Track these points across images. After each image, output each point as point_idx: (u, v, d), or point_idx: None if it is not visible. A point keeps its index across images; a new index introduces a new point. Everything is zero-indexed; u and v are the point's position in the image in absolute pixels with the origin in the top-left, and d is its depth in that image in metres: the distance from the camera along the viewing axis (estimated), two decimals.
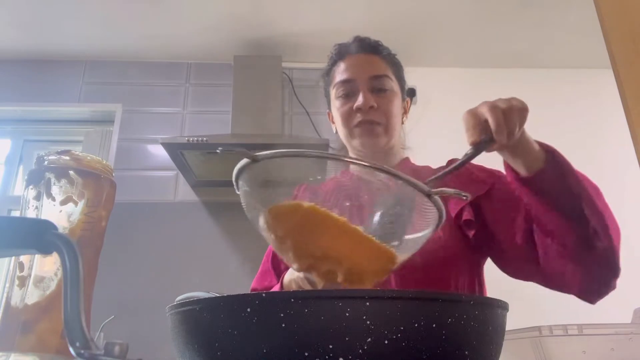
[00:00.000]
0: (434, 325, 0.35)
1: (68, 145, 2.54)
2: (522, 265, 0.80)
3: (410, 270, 0.80)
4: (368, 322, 0.33)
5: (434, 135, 2.46)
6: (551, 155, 0.73)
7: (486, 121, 0.66)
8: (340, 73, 0.97)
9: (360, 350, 0.33)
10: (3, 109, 2.44)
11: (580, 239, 0.71)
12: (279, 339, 0.34)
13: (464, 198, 0.46)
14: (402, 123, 1.03)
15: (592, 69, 2.45)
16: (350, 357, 0.33)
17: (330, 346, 0.33)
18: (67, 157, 0.53)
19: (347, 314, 0.33)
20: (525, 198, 0.76)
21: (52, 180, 0.51)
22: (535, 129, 2.57)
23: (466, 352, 0.36)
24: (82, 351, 0.28)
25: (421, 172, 0.99)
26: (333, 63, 1.01)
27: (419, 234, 0.54)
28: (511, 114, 0.67)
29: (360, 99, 0.91)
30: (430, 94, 2.50)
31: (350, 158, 0.57)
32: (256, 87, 2.26)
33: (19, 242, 0.35)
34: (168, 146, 1.94)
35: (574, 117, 2.48)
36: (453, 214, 0.86)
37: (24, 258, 0.49)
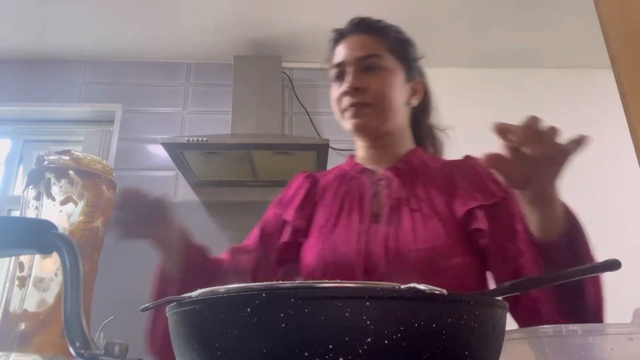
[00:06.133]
0: (434, 325, 0.35)
1: (68, 145, 2.54)
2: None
3: (403, 266, 0.79)
4: (368, 322, 0.33)
5: None
6: (570, 234, 0.66)
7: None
8: (335, 57, 0.95)
9: (360, 350, 0.33)
10: (3, 109, 2.44)
11: (562, 313, 0.68)
12: (279, 339, 0.34)
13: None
14: (409, 104, 0.95)
15: (592, 69, 2.45)
16: (350, 357, 0.33)
17: (330, 346, 0.33)
18: (67, 157, 0.53)
19: (347, 314, 0.33)
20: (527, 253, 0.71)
21: (52, 180, 0.51)
22: None
23: (466, 352, 0.36)
24: (82, 351, 0.28)
25: (430, 164, 0.93)
26: (331, 48, 0.99)
27: None
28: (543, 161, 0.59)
29: (346, 81, 0.89)
30: None
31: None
32: (256, 87, 2.26)
33: (19, 242, 0.35)
34: (168, 146, 1.94)
35: (574, 117, 2.47)
36: (460, 213, 0.82)
37: (24, 258, 0.49)
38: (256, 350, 0.34)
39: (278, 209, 0.95)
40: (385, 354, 0.33)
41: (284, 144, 1.96)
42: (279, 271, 0.90)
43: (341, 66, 0.92)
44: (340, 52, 0.93)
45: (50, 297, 0.48)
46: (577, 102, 2.50)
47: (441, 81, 2.53)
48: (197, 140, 1.87)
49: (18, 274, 0.49)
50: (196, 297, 0.39)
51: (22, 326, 0.47)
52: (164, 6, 2.14)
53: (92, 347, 0.28)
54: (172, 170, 2.24)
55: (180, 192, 2.28)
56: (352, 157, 1.01)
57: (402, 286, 0.35)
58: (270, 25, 2.26)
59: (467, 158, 0.93)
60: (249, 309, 0.34)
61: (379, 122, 0.90)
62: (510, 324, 0.47)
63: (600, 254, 0.62)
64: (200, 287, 0.35)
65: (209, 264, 0.85)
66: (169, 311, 0.43)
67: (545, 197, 0.64)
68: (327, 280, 0.36)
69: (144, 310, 0.45)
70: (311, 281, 0.36)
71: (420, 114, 1.02)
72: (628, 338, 0.60)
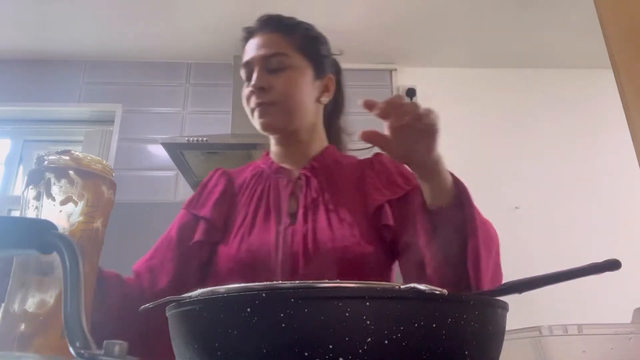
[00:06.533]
0: (434, 325, 0.35)
1: (68, 145, 2.54)
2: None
3: (322, 265, 0.78)
4: (368, 322, 0.33)
5: None
6: (459, 199, 0.70)
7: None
8: (244, 56, 0.95)
9: (360, 350, 0.33)
10: (3, 109, 2.44)
11: (453, 281, 0.71)
12: (279, 339, 0.34)
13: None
14: (319, 102, 0.95)
15: (592, 69, 2.45)
16: (350, 357, 0.33)
17: (330, 346, 0.33)
18: (67, 157, 0.53)
19: (347, 314, 0.33)
20: (420, 223, 0.75)
21: (52, 180, 0.51)
22: (536, 129, 2.57)
23: (466, 352, 0.36)
24: (82, 351, 0.28)
25: (343, 162, 0.94)
26: (242, 47, 0.98)
27: None
28: (415, 134, 0.63)
29: (251, 81, 0.90)
30: (430, 94, 2.50)
31: None
32: None
33: (19, 242, 0.35)
34: (168, 146, 1.94)
35: (574, 117, 2.48)
36: (371, 210, 0.84)
37: (24, 257, 0.49)
38: (256, 350, 0.34)
39: (192, 209, 0.91)
40: (385, 354, 0.33)
41: None
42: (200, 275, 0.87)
43: (248, 65, 0.92)
44: (247, 51, 0.94)
45: (50, 297, 0.48)
46: (577, 102, 2.50)
47: (441, 81, 2.55)
48: (197, 140, 1.87)
49: (18, 273, 0.49)
50: (196, 297, 0.39)
51: (22, 327, 0.47)
52: (164, 6, 2.14)
53: (92, 347, 0.28)
54: (172, 170, 2.24)
55: (180, 192, 2.28)
56: (267, 153, 1.00)
57: (402, 286, 0.35)
58: None
59: (377, 155, 0.94)
60: (249, 309, 0.34)
61: (286, 121, 0.89)
62: (510, 324, 0.47)
63: (600, 254, 0.62)
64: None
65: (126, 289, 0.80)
66: (169, 311, 0.43)
67: (429, 169, 0.68)
68: (327, 280, 0.36)
69: (143, 310, 0.45)
70: (311, 281, 0.36)
71: (332, 113, 1.02)
72: (627, 338, 0.60)
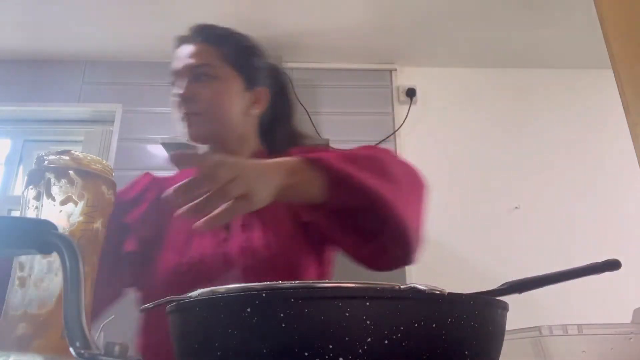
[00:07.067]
0: (434, 325, 0.35)
1: (68, 145, 2.54)
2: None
3: (260, 274, 0.78)
4: (368, 322, 0.33)
5: (433, 135, 2.47)
6: (334, 180, 0.64)
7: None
8: (173, 64, 0.95)
9: (360, 350, 0.33)
10: (3, 109, 2.44)
11: (374, 251, 0.70)
12: (279, 339, 0.34)
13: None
14: (249, 114, 0.94)
15: (592, 69, 2.45)
16: (350, 357, 0.33)
17: (330, 346, 0.33)
18: (67, 157, 0.53)
19: (347, 314, 0.33)
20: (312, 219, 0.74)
21: (52, 180, 0.51)
22: (536, 129, 2.58)
23: (466, 352, 0.36)
24: (82, 351, 0.28)
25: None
26: (173, 55, 0.98)
27: None
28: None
29: (178, 90, 0.90)
30: (430, 94, 2.50)
31: None
32: None
33: (19, 242, 0.35)
34: (168, 146, 1.94)
35: (574, 117, 2.48)
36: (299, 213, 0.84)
37: (24, 257, 0.49)
38: (256, 350, 0.34)
39: (120, 217, 0.87)
40: (385, 354, 0.33)
41: None
42: (116, 280, 0.85)
43: (176, 74, 0.93)
44: (177, 59, 0.94)
45: (50, 298, 0.48)
46: (577, 102, 2.50)
47: (441, 81, 2.55)
48: None
49: (18, 273, 0.49)
50: (196, 297, 0.39)
51: (22, 328, 0.47)
52: (164, 6, 2.14)
53: (92, 347, 0.28)
54: (172, 171, 2.24)
55: None
56: None
57: (402, 286, 0.35)
58: (270, 25, 2.26)
59: (291, 151, 0.92)
60: (249, 309, 0.34)
61: (211, 131, 0.90)
62: (510, 324, 0.47)
63: (600, 254, 0.62)
64: None
65: None
66: (169, 311, 0.43)
67: (281, 198, 0.62)
68: (327, 281, 0.36)
69: (143, 310, 0.45)
70: (311, 281, 0.36)
71: (275, 122, 1.01)
72: (627, 338, 0.60)
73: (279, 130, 1.01)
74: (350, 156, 0.69)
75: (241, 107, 0.93)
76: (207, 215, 0.54)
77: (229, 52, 0.93)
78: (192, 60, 0.90)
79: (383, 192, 0.64)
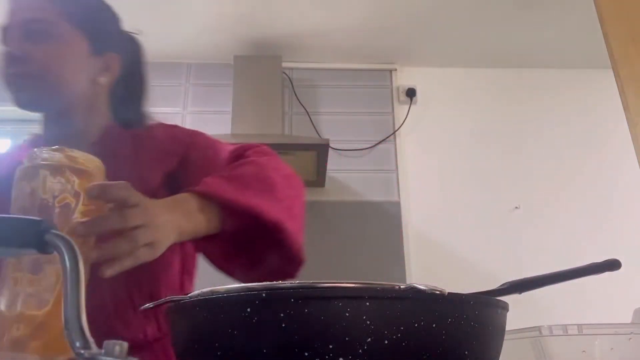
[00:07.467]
0: (434, 325, 0.35)
1: None
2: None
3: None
4: (368, 322, 0.33)
5: (433, 135, 2.47)
6: (227, 210, 0.65)
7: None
8: (3, 16, 0.80)
9: (360, 350, 0.33)
10: (3, 109, 2.44)
11: (261, 274, 0.70)
12: (279, 339, 0.34)
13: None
14: (97, 82, 0.83)
15: (592, 69, 2.45)
16: (350, 357, 0.33)
17: (330, 346, 0.33)
18: (61, 155, 0.52)
19: (347, 314, 0.33)
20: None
21: (48, 177, 0.51)
22: (535, 129, 2.57)
23: (466, 352, 0.36)
24: (82, 351, 0.28)
25: (128, 143, 0.84)
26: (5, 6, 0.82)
27: None
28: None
29: (6, 47, 0.76)
30: (430, 94, 2.50)
31: None
32: (256, 87, 2.27)
33: (18, 242, 0.35)
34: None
35: (574, 117, 2.48)
36: (153, 185, 0.77)
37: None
38: (256, 350, 0.34)
39: None
40: (385, 354, 0.33)
41: (284, 144, 1.96)
42: None
43: (5, 29, 0.78)
44: (7, 13, 0.78)
45: (48, 298, 0.48)
46: (577, 102, 2.50)
47: (441, 81, 2.55)
48: None
49: (11, 274, 0.49)
50: (196, 297, 0.39)
51: (17, 329, 0.46)
52: (164, 6, 2.14)
53: (92, 347, 0.28)
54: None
55: None
56: (35, 136, 0.88)
57: (402, 286, 0.35)
58: (270, 25, 2.26)
59: (152, 126, 0.87)
60: (249, 309, 0.34)
61: (45, 98, 0.77)
62: (510, 324, 0.47)
63: (600, 254, 0.62)
64: None
65: None
66: (169, 311, 0.43)
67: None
68: (327, 280, 0.36)
69: (143, 310, 0.45)
70: (311, 281, 0.36)
71: (127, 95, 0.90)
72: (627, 338, 0.60)
73: (132, 104, 0.90)
74: (238, 178, 0.68)
75: (86, 74, 0.81)
76: (110, 258, 0.53)
77: (74, 10, 0.80)
78: (26, 15, 0.77)
79: (275, 214, 0.65)
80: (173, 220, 0.59)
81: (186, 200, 0.63)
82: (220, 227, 0.65)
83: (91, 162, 0.55)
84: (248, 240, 0.69)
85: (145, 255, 0.55)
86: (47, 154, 0.52)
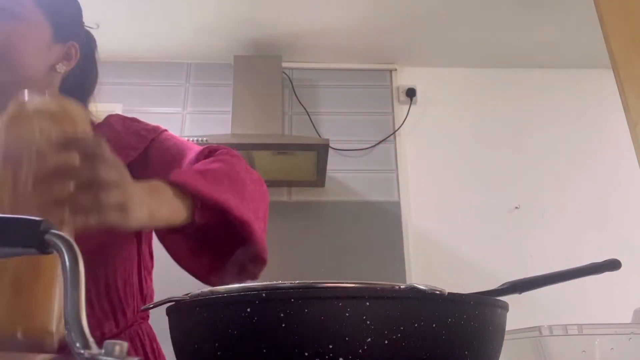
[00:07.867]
0: (434, 325, 0.35)
1: None
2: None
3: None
4: (368, 322, 0.33)
5: (433, 135, 2.47)
6: (199, 203, 0.64)
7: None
8: None
9: (360, 350, 0.33)
10: None
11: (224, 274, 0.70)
12: (279, 339, 0.34)
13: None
14: (55, 70, 0.83)
15: (592, 69, 2.45)
16: (350, 357, 0.33)
17: (330, 346, 0.33)
18: (49, 100, 0.52)
19: (347, 314, 0.33)
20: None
21: None
22: (535, 129, 2.58)
23: (466, 352, 0.36)
24: (82, 351, 0.28)
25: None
26: None
27: None
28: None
29: None
30: (430, 94, 2.50)
31: None
32: (256, 87, 2.27)
33: (18, 242, 0.35)
34: None
35: (574, 117, 2.48)
36: None
37: None
38: (256, 350, 0.34)
39: None
40: (385, 354, 0.33)
41: (284, 144, 1.96)
42: None
43: None
44: None
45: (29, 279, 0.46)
46: (577, 102, 2.50)
47: (441, 81, 2.55)
48: (197, 140, 1.87)
49: None
50: (196, 297, 0.39)
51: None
52: (164, 6, 2.14)
53: (92, 347, 0.28)
54: None
55: None
56: None
57: (402, 286, 0.35)
58: (270, 25, 2.26)
59: (109, 117, 0.87)
60: (249, 309, 0.34)
61: (0, 75, 0.76)
62: (510, 324, 0.47)
63: (600, 254, 0.62)
64: None
65: None
66: (169, 311, 0.43)
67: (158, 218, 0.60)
68: (327, 280, 0.36)
69: (143, 310, 0.45)
70: (311, 281, 0.36)
71: (80, 87, 0.90)
72: (627, 338, 0.60)
73: (80, 98, 0.88)
74: (211, 172, 0.68)
75: (46, 60, 0.81)
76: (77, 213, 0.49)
77: None
78: None
79: (244, 212, 0.65)
80: (146, 201, 0.57)
81: (160, 187, 0.61)
82: (190, 219, 0.63)
83: (76, 109, 0.55)
84: (215, 237, 0.69)
85: (115, 217, 0.50)
86: (36, 100, 0.52)
